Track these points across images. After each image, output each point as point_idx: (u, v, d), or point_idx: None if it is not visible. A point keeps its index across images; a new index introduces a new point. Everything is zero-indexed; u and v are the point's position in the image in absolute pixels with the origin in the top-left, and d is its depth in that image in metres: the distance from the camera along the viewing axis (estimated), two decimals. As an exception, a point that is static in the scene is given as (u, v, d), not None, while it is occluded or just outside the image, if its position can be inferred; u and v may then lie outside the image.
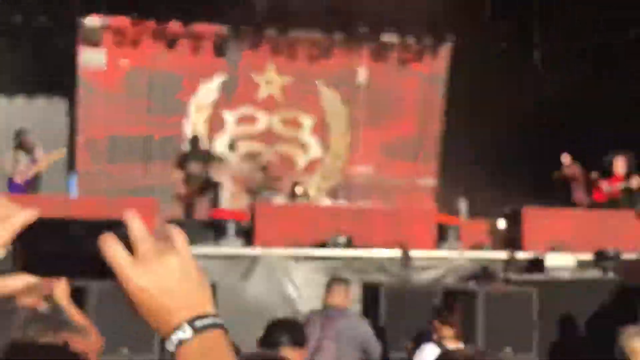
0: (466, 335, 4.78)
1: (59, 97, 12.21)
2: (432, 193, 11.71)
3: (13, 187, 8.45)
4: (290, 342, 3.03)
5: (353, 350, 4.41)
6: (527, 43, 11.33)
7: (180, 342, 0.77)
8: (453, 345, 4.45)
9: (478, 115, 11.12)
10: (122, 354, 5.17)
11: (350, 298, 4.78)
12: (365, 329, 4.62)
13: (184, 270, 0.78)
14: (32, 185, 8.55)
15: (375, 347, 4.53)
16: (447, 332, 4.48)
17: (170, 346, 0.77)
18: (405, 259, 7.30)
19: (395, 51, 11.92)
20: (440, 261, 7.59)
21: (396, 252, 7.49)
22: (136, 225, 0.78)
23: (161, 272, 0.77)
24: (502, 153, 10.95)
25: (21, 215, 0.75)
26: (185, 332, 0.77)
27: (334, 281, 4.80)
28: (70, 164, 11.04)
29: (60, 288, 2.66)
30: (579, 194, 9.28)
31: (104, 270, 0.77)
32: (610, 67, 10.55)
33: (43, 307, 2.73)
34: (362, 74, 12.04)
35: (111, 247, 0.76)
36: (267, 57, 11.72)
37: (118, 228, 0.78)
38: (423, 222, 8.10)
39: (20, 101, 12.06)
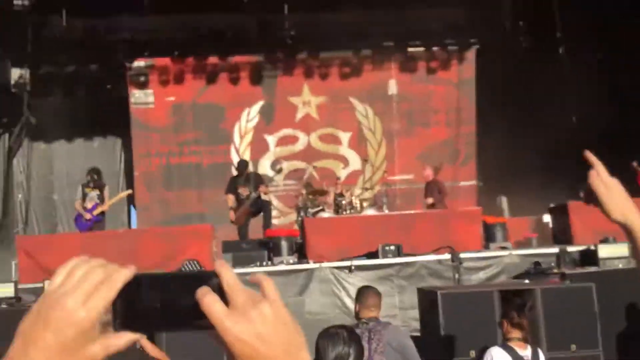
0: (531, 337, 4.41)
1: (114, 137, 12.35)
2: (474, 194, 11.30)
3: (81, 225, 8.42)
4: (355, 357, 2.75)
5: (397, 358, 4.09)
6: (551, 37, 10.88)
7: None
8: (520, 348, 4.10)
9: (511, 113, 10.72)
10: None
11: (381, 307, 4.42)
12: (409, 340, 4.28)
13: (278, 318, 0.75)
14: (98, 223, 8.49)
15: (417, 358, 4.19)
16: (516, 334, 4.12)
17: None
18: (457, 261, 6.94)
19: (423, 61, 11.63)
20: (490, 260, 7.20)
21: (446, 255, 7.15)
22: (228, 275, 0.76)
23: (257, 321, 0.74)
24: (538, 150, 10.49)
25: (122, 274, 0.73)
26: None
27: (368, 291, 4.43)
28: (129, 199, 11.05)
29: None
30: None
31: (201, 323, 0.74)
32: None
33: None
34: (392, 87, 11.78)
35: (208, 299, 0.74)
36: (301, 80, 11.60)
37: (211, 279, 0.75)
38: (469, 223, 7.73)
39: (79, 143, 12.23)
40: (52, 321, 0.70)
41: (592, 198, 1.04)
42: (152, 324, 0.76)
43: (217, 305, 0.73)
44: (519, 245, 7.87)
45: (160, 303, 0.75)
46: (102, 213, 8.58)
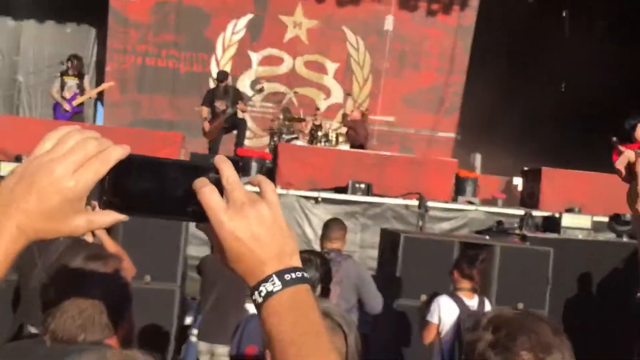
0: (480, 288, 4.60)
1: (88, 26, 11.88)
2: (450, 146, 11.41)
3: (60, 116, 8.14)
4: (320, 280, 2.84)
5: (354, 294, 4.24)
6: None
7: (268, 294, 0.74)
8: (467, 298, 4.28)
9: (503, 71, 10.70)
10: (146, 281, 5.08)
11: (346, 241, 4.54)
12: (366, 274, 4.43)
13: (274, 220, 0.75)
14: (78, 114, 8.21)
15: (376, 295, 4.34)
16: (465, 284, 4.29)
17: (257, 297, 0.74)
18: (423, 208, 7.10)
19: (424, 1, 11.40)
20: (456, 213, 7.38)
21: (414, 202, 7.29)
22: (228, 171, 0.75)
23: (253, 219, 0.73)
24: (521, 112, 10.58)
25: (116, 150, 0.71)
26: (274, 284, 0.74)
27: (335, 224, 4.54)
28: (98, 95, 10.78)
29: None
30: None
31: (194, 212, 0.73)
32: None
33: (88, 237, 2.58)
34: (388, 23, 11.55)
35: (207, 190, 0.73)
36: (295, 0, 11.26)
37: (210, 172, 0.74)
38: (442, 173, 7.85)
39: (50, 26, 11.73)
40: (38, 185, 0.68)
41: (631, 178, 1.05)
42: (141, 207, 0.74)
43: (215, 197, 0.72)
44: (486, 203, 8.07)
45: (152, 187, 0.73)
46: (82, 104, 8.34)
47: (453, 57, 11.51)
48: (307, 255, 2.87)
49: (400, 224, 7.22)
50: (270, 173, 7.69)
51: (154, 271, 5.04)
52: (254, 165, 7.45)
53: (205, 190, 0.72)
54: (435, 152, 10.93)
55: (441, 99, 11.61)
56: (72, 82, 8.13)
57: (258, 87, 9.93)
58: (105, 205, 0.72)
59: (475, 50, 11.35)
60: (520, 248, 5.88)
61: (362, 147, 9.26)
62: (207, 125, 8.34)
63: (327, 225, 4.54)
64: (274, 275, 0.74)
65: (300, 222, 7.33)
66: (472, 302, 4.26)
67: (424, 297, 5.22)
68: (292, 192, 7.25)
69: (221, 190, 0.73)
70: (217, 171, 0.74)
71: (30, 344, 1.57)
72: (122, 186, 0.72)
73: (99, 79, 11.38)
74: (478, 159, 10.38)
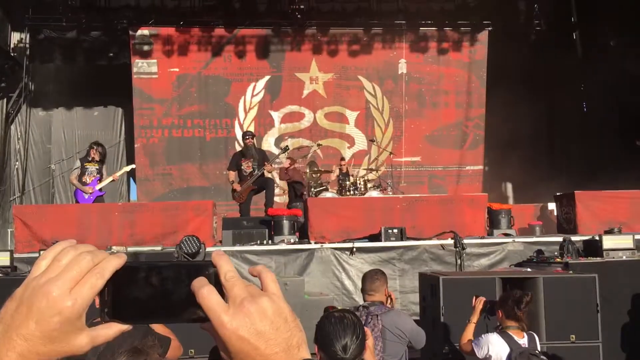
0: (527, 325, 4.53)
1: (115, 107, 12.39)
2: (479, 179, 11.39)
3: (83, 201, 8.35)
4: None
5: (399, 345, 4.21)
6: (566, 22, 10.84)
7: None
8: (517, 336, 4.22)
9: (522, 97, 10.72)
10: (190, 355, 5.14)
11: (386, 291, 4.54)
12: (410, 322, 4.40)
13: (277, 313, 0.73)
14: (100, 197, 8.46)
15: (422, 339, 4.31)
16: (512, 323, 4.25)
17: None
18: (459, 246, 7.06)
19: (434, 41, 11.62)
20: (493, 247, 7.30)
21: (449, 240, 7.26)
22: (226, 267, 0.73)
23: (255, 316, 0.71)
24: (546, 137, 10.53)
25: (111, 262, 0.71)
26: None
27: (369, 276, 4.57)
28: (130, 171, 11.14)
29: None
30: None
31: (195, 315, 0.72)
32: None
33: None
34: (402, 66, 11.78)
35: (206, 291, 0.71)
36: (309, 56, 11.60)
37: (208, 269, 0.74)
38: (474, 208, 7.81)
39: (78, 112, 12.28)
40: (36, 309, 0.68)
41: None
42: (143, 314, 0.73)
43: (214, 297, 0.71)
44: (523, 232, 7.96)
45: (152, 293, 0.72)
46: (101, 188, 8.60)
47: (470, 91, 11.63)
48: (342, 314, 2.87)
49: (438, 265, 7.17)
50: (303, 228, 7.77)
51: (199, 346, 5.11)
52: (285, 224, 7.54)
53: (204, 291, 0.71)
54: (465, 186, 10.92)
55: (464, 134, 11.67)
56: (92, 167, 8.41)
57: (282, 145, 10.14)
58: (108, 317, 0.72)
59: (491, 81, 11.44)
60: (563, 278, 5.77)
61: (301, 184, 9.65)
62: (237, 187, 8.53)
63: (364, 278, 4.57)
64: None
65: (338, 274, 7.34)
66: (523, 340, 4.21)
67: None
68: (326, 245, 7.30)
69: (221, 287, 0.72)
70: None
71: None
72: (122, 296, 0.72)
73: (129, 155, 11.79)
74: (509, 188, 10.32)
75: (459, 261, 7.09)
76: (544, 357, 4.11)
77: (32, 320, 0.67)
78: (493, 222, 7.85)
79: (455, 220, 7.59)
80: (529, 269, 6.27)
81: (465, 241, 7.23)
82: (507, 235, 7.63)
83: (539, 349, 4.27)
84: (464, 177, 11.40)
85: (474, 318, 4.52)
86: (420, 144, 11.62)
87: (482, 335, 4.32)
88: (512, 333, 4.23)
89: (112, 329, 0.72)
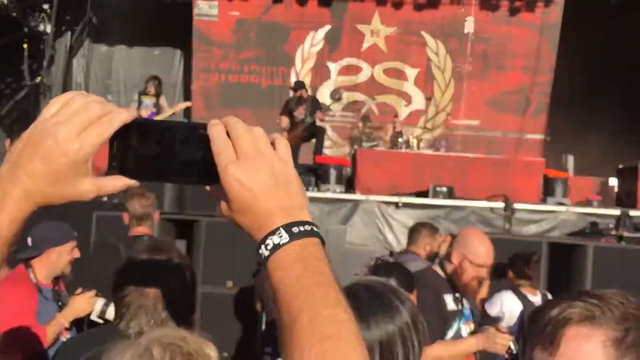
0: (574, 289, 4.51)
1: (173, 48, 12.65)
2: (539, 148, 11.08)
3: None
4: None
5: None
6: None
7: (275, 247, 0.72)
8: (531, 294, 4.29)
9: (591, 68, 10.30)
10: (227, 287, 5.32)
11: (434, 245, 4.57)
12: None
13: (284, 174, 0.74)
14: None
15: None
16: (524, 282, 4.33)
17: (263, 250, 0.73)
18: (509, 210, 6.98)
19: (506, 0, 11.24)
20: (545, 215, 7.18)
21: (499, 204, 7.18)
22: (233, 119, 0.75)
23: (262, 171, 0.73)
24: (614, 110, 10.11)
25: (121, 114, 0.72)
26: (282, 237, 0.72)
27: (418, 227, 4.66)
28: (184, 112, 11.43)
29: None
30: None
31: (200, 174, 0.73)
32: None
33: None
34: (469, 25, 11.46)
35: (219, 128, 0.72)
36: (372, 7, 11.44)
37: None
38: (529, 174, 7.69)
39: (139, 50, 12.61)
40: (42, 148, 0.69)
41: None
42: (151, 172, 0.74)
43: (226, 146, 0.72)
44: (579, 204, 7.78)
45: (161, 151, 0.72)
46: None
47: (539, 55, 11.23)
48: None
49: (485, 228, 7.11)
50: (350, 179, 7.84)
51: (236, 277, 5.29)
52: (332, 172, 7.64)
53: (218, 127, 0.73)
54: (524, 155, 10.66)
55: (528, 100, 11.33)
56: (148, 101, 8.70)
57: (337, 96, 10.15)
58: (115, 171, 0.73)
59: (561, 46, 11.01)
60: (615, 248, 5.66)
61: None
62: (285, 135, 8.65)
63: (411, 228, 4.72)
64: (281, 228, 0.72)
65: (382, 227, 7.41)
66: (536, 298, 4.26)
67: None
68: (372, 197, 7.36)
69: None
70: None
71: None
72: (131, 152, 0.72)
73: (186, 97, 12.07)
74: (570, 160, 10.03)
75: (507, 225, 7.02)
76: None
77: (38, 158, 0.69)
78: (548, 189, 7.71)
79: (507, 184, 7.50)
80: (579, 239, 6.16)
81: (516, 206, 7.14)
82: (561, 204, 7.48)
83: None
84: (524, 145, 11.12)
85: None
86: (480, 108, 11.37)
87: (496, 294, 4.37)
88: (526, 291, 4.30)
89: (118, 182, 0.73)
